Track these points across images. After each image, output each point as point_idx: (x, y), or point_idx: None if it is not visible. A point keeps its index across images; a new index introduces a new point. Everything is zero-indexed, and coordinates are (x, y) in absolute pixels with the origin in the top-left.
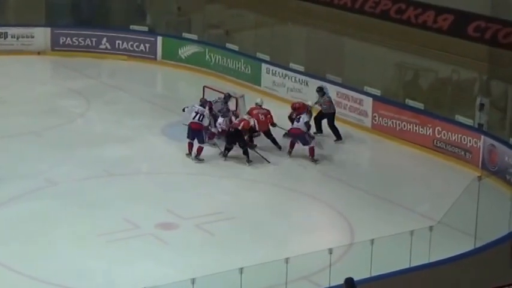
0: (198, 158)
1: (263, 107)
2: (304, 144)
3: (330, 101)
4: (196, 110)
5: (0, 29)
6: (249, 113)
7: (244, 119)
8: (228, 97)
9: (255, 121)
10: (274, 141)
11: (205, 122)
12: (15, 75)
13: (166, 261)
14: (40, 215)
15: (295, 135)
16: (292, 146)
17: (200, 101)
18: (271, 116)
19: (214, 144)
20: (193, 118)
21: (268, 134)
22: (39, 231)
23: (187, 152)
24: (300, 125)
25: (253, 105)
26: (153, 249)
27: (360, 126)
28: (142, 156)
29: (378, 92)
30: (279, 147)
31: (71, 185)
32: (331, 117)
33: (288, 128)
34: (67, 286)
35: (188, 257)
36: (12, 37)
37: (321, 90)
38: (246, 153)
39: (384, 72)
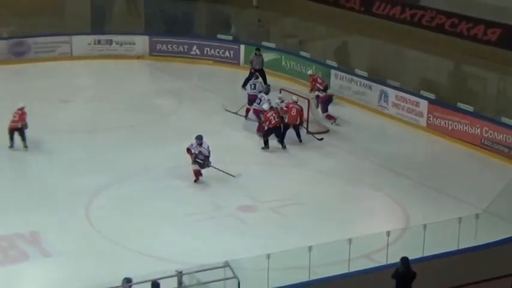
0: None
1: (298, 103)
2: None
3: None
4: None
5: (106, 37)
6: (286, 106)
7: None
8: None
9: (287, 114)
10: (298, 135)
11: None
12: (118, 76)
13: (245, 238)
14: (139, 197)
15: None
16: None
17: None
18: (302, 114)
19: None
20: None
21: (296, 128)
22: (139, 210)
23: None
24: None
25: (290, 101)
26: (234, 228)
27: (416, 125)
28: (225, 148)
29: (432, 96)
30: (300, 140)
31: (165, 172)
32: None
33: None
34: (160, 257)
35: (264, 236)
36: (116, 44)
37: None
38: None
39: (438, 78)
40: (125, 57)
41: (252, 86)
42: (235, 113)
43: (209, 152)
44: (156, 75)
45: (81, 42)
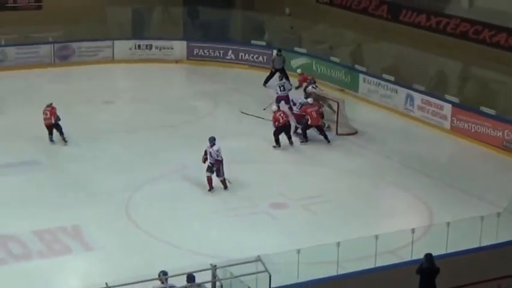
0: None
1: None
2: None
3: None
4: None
5: (146, 42)
6: (304, 110)
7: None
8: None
9: (309, 116)
10: (325, 136)
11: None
12: (157, 79)
13: (276, 234)
14: (176, 193)
15: None
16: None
17: None
18: (322, 114)
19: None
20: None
21: (320, 128)
22: (175, 206)
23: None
24: None
25: (307, 105)
26: (266, 224)
27: (440, 127)
28: (258, 148)
29: (456, 100)
30: (328, 141)
31: (199, 170)
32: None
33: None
34: (195, 251)
35: (294, 232)
36: (155, 48)
37: None
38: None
39: (462, 83)
40: (164, 61)
41: (281, 88)
42: (252, 115)
43: (218, 155)
44: (193, 79)
45: (123, 46)
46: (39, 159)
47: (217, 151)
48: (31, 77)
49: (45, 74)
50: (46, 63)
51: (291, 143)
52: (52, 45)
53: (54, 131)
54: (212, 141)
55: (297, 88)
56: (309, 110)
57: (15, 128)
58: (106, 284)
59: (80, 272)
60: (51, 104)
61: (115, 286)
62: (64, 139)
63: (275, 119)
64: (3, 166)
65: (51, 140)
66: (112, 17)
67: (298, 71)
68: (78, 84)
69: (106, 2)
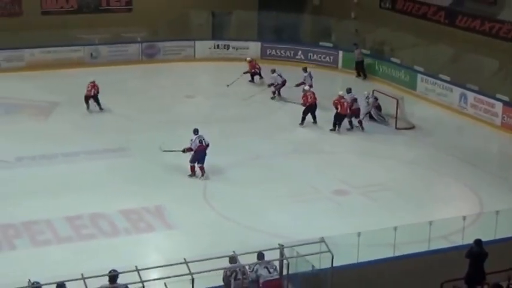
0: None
1: (345, 97)
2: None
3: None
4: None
5: (224, 42)
6: (336, 100)
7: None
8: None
9: (340, 106)
10: (350, 124)
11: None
12: (234, 76)
13: (338, 218)
14: (249, 179)
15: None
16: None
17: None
18: (348, 106)
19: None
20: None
21: (348, 117)
22: (248, 191)
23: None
24: None
25: (338, 96)
26: (329, 209)
27: (491, 124)
28: (323, 139)
29: (506, 98)
30: (353, 127)
31: (271, 159)
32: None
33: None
34: (265, 231)
35: (355, 217)
36: (232, 48)
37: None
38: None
39: None
40: (240, 60)
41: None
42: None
43: (195, 145)
44: (266, 76)
45: (203, 46)
46: (126, 146)
47: (195, 139)
48: (121, 73)
49: (133, 70)
50: (134, 61)
51: (315, 122)
52: (140, 44)
53: (91, 102)
54: (195, 132)
55: (245, 73)
56: (307, 94)
57: (107, 117)
58: (184, 259)
59: (161, 248)
60: (93, 81)
61: (192, 261)
62: (100, 108)
63: (305, 99)
64: (95, 152)
65: (88, 108)
66: (194, 19)
67: (248, 59)
68: (163, 80)
69: (189, 5)
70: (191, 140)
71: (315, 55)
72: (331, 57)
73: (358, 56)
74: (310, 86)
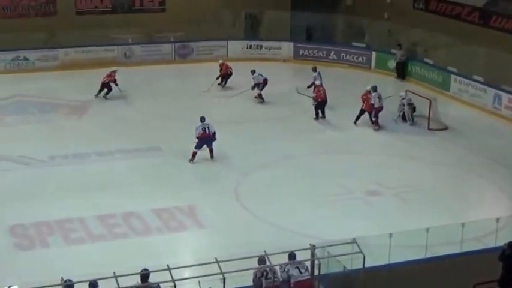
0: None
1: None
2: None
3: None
4: None
5: (257, 42)
6: (363, 95)
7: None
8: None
9: (365, 101)
10: (371, 120)
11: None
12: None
13: (370, 219)
14: (280, 179)
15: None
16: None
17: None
18: (372, 103)
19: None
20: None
21: (369, 114)
22: (279, 191)
23: None
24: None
25: (365, 92)
26: (361, 209)
27: None
28: (357, 140)
29: None
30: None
31: (303, 159)
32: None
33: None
34: (296, 231)
35: (387, 217)
36: (265, 48)
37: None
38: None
39: None
40: (272, 60)
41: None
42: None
43: (198, 132)
44: (299, 76)
45: (236, 46)
46: (160, 145)
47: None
48: (153, 72)
49: (166, 70)
50: (167, 60)
51: (324, 117)
52: (173, 44)
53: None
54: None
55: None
56: (320, 89)
57: (140, 117)
58: (215, 258)
59: (193, 247)
60: (115, 71)
61: (223, 261)
62: (105, 97)
63: (317, 95)
64: (128, 151)
65: (96, 95)
66: (227, 20)
67: (220, 61)
68: (195, 79)
69: (222, 5)
70: (196, 127)
71: (348, 55)
72: (364, 58)
73: (401, 57)
74: (320, 85)
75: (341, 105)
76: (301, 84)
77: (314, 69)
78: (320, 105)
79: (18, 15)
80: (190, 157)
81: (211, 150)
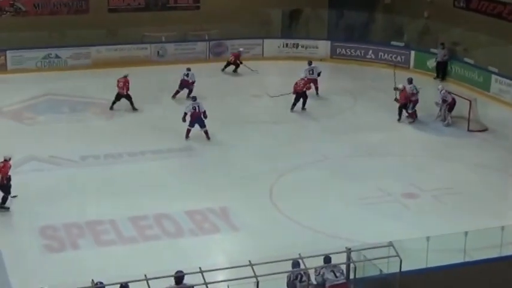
0: None
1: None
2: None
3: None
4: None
5: (293, 41)
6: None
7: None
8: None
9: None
10: (406, 111)
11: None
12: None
13: (407, 222)
14: (315, 181)
15: None
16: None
17: None
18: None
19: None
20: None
21: (401, 107)
22: (314, 193)
23: None
24: None
25: (402, 86)
26: (398, 212)
27: None
28: (395, 141)
29: None
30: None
31: (340, 160)
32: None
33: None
34: (331, 234)
35: (425, 220)
36: (301, 47)
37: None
38: None
39: None
40: (309, 59)
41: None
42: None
43: (188, 110)
44: (336, 76)
45: (272, 45)
46: (192, 146)
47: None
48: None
49: (200, 68)
50: (201, 59)
51: (304, 108)
52: (207, 42)
53: (124, 100)
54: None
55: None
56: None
57: (171, 117)
58: (249, 261)
59: (225, 249)
60: (126, 75)
61: (257, 264)
62: (134, 108)
63: (294, 87)
64: (160, 152)
65: (111, 108)
66: (263, 18)
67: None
68: (230, 78)
69: (257, 3)
70: (186, 106)
71: (386, 54)
72: (403, 57)
73: (443, 56)
74: (311, 80)
75: (379, 106)
76: (339, 84)
77: (309, 63)
78: (297, 98)
79: (49, 13)
80: (185, 135)
81: (206, 132)
